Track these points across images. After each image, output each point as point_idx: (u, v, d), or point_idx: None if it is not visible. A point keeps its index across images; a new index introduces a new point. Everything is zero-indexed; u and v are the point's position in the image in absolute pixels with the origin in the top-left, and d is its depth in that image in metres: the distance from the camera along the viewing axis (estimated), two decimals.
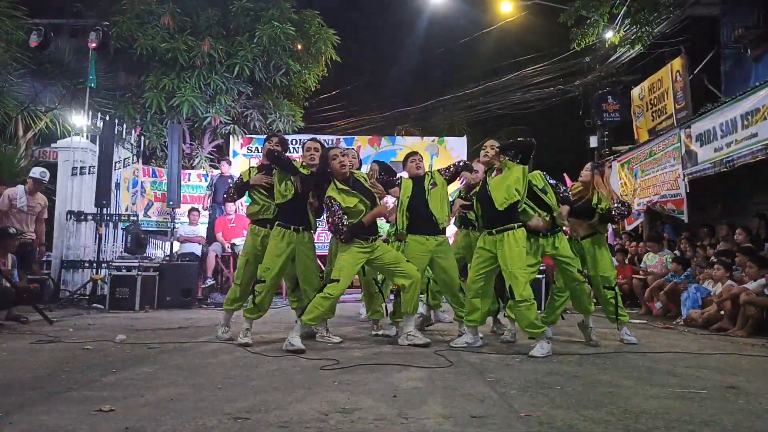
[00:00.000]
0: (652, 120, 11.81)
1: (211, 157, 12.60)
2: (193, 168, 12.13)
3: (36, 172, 7.43)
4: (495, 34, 16.49)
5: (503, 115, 17.77)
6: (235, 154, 11.41)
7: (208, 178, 11.02)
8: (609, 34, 12.45)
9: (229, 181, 10.24)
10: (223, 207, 9.83)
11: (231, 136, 11.85)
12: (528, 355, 4.27)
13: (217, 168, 11.33)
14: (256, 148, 11.33)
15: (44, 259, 8.71)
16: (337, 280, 4.49)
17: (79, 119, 9.87)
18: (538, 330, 4.38)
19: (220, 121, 11.85)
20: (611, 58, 13.67)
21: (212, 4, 12.16)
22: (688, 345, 5.11)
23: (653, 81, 11.78)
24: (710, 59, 11.49)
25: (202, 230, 10.05)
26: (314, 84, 13.78)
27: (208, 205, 10.42)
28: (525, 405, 2.83)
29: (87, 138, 9.42)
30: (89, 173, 9.13)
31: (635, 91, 12.67)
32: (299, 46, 12.71)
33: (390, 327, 5.45)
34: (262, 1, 12.22)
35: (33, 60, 10.20)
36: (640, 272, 8.74)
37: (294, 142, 11.41)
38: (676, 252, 8.70)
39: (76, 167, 9.07)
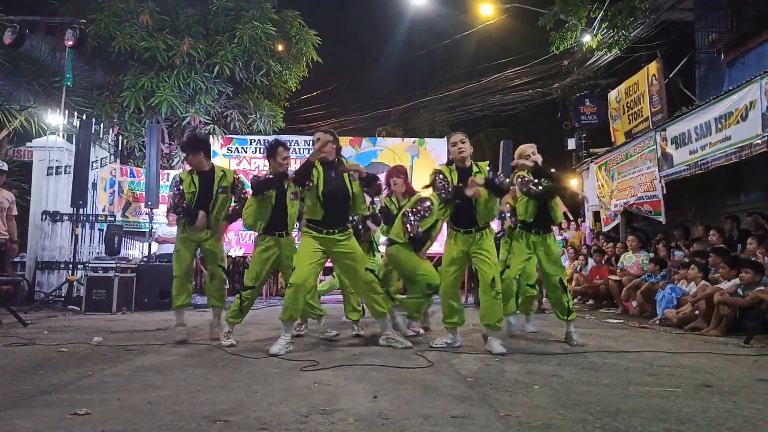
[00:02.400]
0: (629, 123, 11.99)
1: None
2: (171, 168, 12.00)
3: None
4: (475, 36, 16.63)
5: (483, 116, 17.91)
6: (215, 154, 11.30)
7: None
8: (587, 38, 12.63)
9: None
10: None
11: (211, 136, 11.75)
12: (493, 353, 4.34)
13: None
14: (236, 148, 11.25)
15: (17, 259, 8.55)
16: (293, 268, 4.52)
17: (55, 118, 9.71)
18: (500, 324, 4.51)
19: (200, 121, 11.75)
20: (589, 62, 13.86)
21: (192, 4, 12.06)
22: (663, 344, 5.19)
23: (630, 84, 11.96)
24: (685, 63, 11.71)
25: None
26: (295, 85, 13.74)
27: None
28: (504, 405, 2.85)
29: (63, 137, 9.28)
30: (65, 173, 8.98)
31: (612, 94, 12.86)
32: (280, 47, 12.67)
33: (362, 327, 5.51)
34: (242, 0, 12.14)
35: (7, 57, 10.02)
36: (617, 273, 8.86)
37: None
38: (651, 253, 8.84)
39: (52, 167, 8.93)
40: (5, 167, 7.19)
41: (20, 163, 10.63)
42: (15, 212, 7.20)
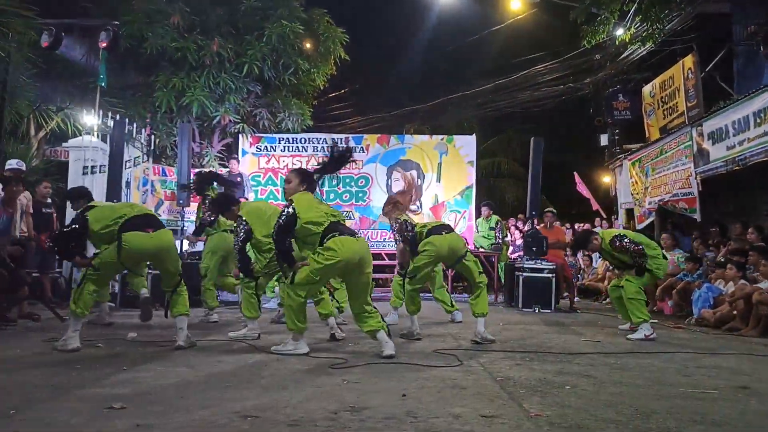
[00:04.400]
0: (664, 118, 11.72)
1: (221, 155, 12.64)
2: (202, 167, 12.17)
3: (13, 163, 7.18)
4: (504, 31, 16.43)
5: (513, 113, 17.72)
6: (244, 152, 11.45)
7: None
8: (620, 32, 12.37)
9: (239, 179, 10.27)
10: None
11: (240, 135, 11.88)
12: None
13: (226, 167, 11.37)
14: (265, 146, 11.36)
15: (57, 257, 8.77)
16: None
17: (90, 118, 9.93)
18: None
19: (230, 120, 11.88)
20: (622, 56, 13.58)
21: (221, 4, 12.18)
22: (699, 345, 5.08)
23: (664, 78, 11.68)
24: (722, 56, 11.39)
25: None
26: (323, 82, 13.79)
27: None
28: (535, 404, 2.82)
29: (98, 137, 9.47)
30: (100, 172, 9.18)
31: (646, 89, 12.58)
32: (308, 45, 12.73)
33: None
34: (270, 0, 12.24)
35: (44, 60, 10.27)
36: None
37: (303, 140, 11.44)
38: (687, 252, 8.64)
39: (87, 166, 9.12)
40: (23, 167, 7.35)
41: (57, 163, 10.89)
42: (30, 210, 7.30)
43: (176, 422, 2.46)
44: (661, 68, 12.23)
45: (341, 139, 11.37)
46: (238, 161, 10.74)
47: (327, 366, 3.75)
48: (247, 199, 9.99)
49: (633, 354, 4.49)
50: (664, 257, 6.13)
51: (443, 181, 10.98)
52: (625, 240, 5.61)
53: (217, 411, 2.64)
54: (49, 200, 8.10)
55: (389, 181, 11.01)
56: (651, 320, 5.55)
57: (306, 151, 11.19)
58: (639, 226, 11.61)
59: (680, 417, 2.62)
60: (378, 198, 10.89)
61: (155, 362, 3.88)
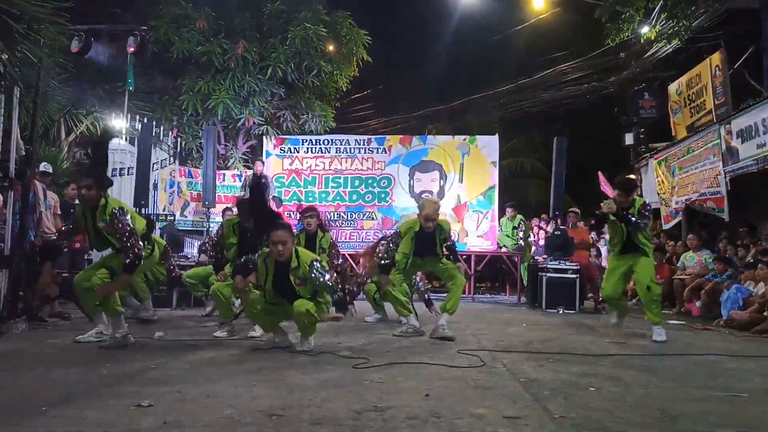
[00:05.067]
0: (691, 116, 11.51)
1: (245, 157, 12.79)
2: (227, 168, 12.33)
3: (41, 165, 7.21)
4: (527, 30, 16.31)
5: (536, 112, 17.57)
6: (268, 154, 11.56)
7: (242, 178, 11.17)
8: (645, 29, 12.19)
9: (263, 180, 10.35)
10: None
11: (264, 137, 12.01)
12: None
13: (251, 168, 11.50)
14: (289, 148, 11.45)
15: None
16: None
17: (119, 122, 10.13)
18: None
19: (254, 122, 12.02)
20: (647, 54, 13.37)
21: (246, 8, 12.33)
22: (728, 347, 4.98)
23: (691, 76, 11.48)
24: (751, 53, 11.14)
25: None
26: (345, 84, 13.86)
27: None
28: (559, 406, 2.80)
29: (126, 140, 9.66)
30: (128, 174, 9.36)
31: (672, 87, 12.37)
32: (331, 47, 12.81)
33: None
34: (294, 3, 12.34)
35: (74, 65, 10.50)
36: (678, 272, 8.54)
37: (326, 142, 11.49)
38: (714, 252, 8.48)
39: (116, 168, 9.31)
40: (50, 169, 7.52)
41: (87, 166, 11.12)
42: (58, 211, 7.46)
43: (203, 420, 2.50)
44: (687, 66, 12.01)
45: (364, 140, 11.40)
46: (263, 163, 10.86)
47: (350, 366, 3.77)
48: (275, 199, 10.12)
49: (660, 356, 4.42)
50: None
51: (466, 181, 10.95)
52: (649, 207, 5.65)
53: (243, 409, 2.67)
54: (77, 201, 8.27)
55: (411, 181, 11.02)
56: (679, 322, 5.47)
57: (329, 152, 11.25)
58: (665, 226, 11.44)
59: (709, 420, 2.58)
60: (400, 198, 10.90)
61: (182, 361, 3.94)
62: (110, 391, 3.04)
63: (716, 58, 10.58)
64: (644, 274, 5.46)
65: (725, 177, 8.99)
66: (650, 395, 3.06)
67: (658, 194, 11.69)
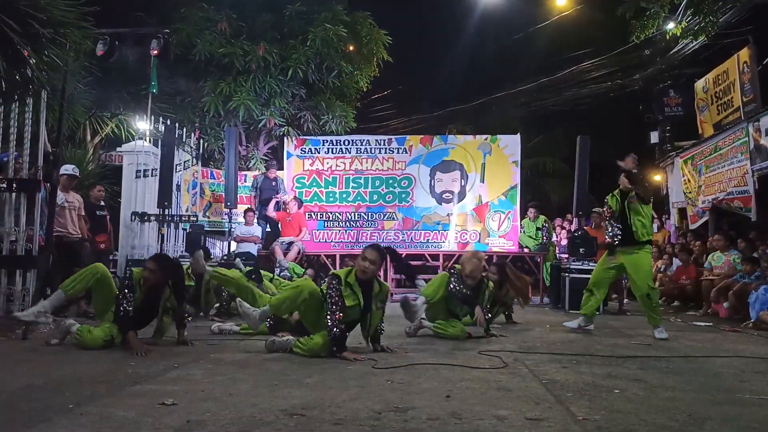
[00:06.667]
0: (718, 114, 11.30)
1: (266, 158, 12.87)
2: (249, 169, 12.42)
3: (68, 168, 7.36)
4: (550, 28, 16.17)
5: (559, 111, 17.41)
6: (289, 155, 11.61)
7: (251, 180, 11.18)
8: (670, 26, 11.98)
9: (273, 183, 10.44)
10: (266, 209, 10.11)
11: (285, 138, 12.07)
12: None
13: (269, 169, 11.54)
14: (310, 149, 11.48)
15: (111, 257, 9.10)
16: None
17: (142, 124, 10.28)
18: None
19: (275, 123, 12.09)
20: (673, 51, 13.16)
21: (267, 9, 12.42)
22: (757, 349, 4.87)
23: (718, 73, 11.26)
24: None
25: (257, 230, 10.29)
26: (366, 85, 13.87)
27: (256, 207, 10.59)
28: (582, 408, 2.76)
29: (150, 142, 9.79)
30: (152, 175, 9.47)
31: (699, 84, 12.15)
32: (351, 48, 12.83)
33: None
34: (314, 4, 12.39)
35: (99, 68, 10.69)
36: (705, 273, 8.38)
37: (347, 142, 11.51)
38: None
39: (140, 170, 9.43)
40: (77, 172, 7.65)
41: (112, 167, 11.31)
42: (83, 212, 7.57)
43: (226, 419, 2.53)
44: (714, 62, 11.80)
45: (384, 140, 11.39)
46: (276, 168, 10.89)
47: (371, 366, 3.77)
48: (281, 200, 10.18)
49: (686, 358, 4.34)
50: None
51: (487, 181, 10.86)
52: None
53: (265, 409, 2.69)
54: (102, 203, 8.43)
55: (432, 181, 10.96)
56: (706, 323, 5.39)
57: (350, 152, 11.25)
58: (692, 226, 11.24)
59: (736, 424, 2.53)
60: (421, 199, 10.86)
61: (205, 360, 3.98)
62: (135, 390, 3.08)
63: (744, 54, 10.36)
64: (642, 280, 5.40)
65: (753, 175, 8.80)
66: (676, 398, 3.01)
67: (685, 193, 11.50)
